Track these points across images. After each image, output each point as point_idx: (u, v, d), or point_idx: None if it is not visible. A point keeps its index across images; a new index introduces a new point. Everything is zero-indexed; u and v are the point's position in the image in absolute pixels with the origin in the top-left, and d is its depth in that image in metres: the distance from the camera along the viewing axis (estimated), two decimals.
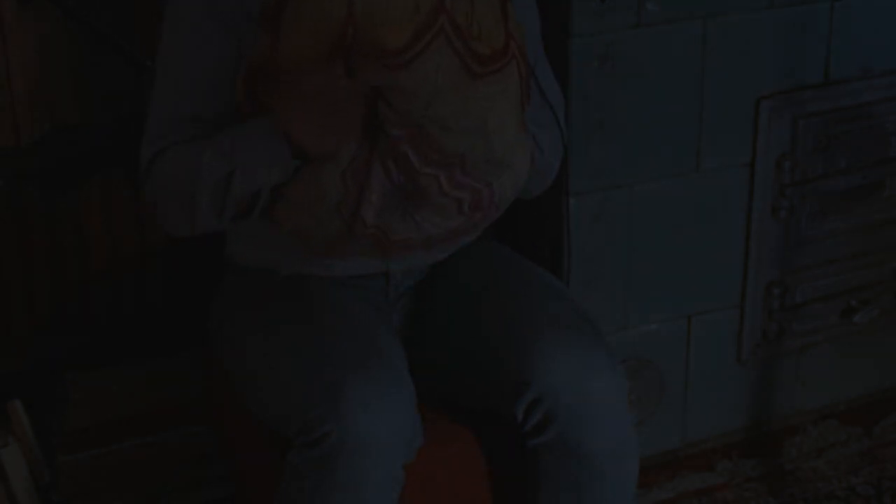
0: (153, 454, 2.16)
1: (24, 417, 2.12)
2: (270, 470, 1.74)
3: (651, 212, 2.25)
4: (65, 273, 2.25)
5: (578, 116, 2.12)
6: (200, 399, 2.18)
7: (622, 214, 2.22)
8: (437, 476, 1.81)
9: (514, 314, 1.78)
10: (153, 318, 2.31)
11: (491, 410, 1.81)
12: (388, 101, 1.63)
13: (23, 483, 2.11)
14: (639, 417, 2.34)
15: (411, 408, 1.68)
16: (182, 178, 1.72)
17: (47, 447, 2.16)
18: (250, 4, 1.70)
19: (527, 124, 1.78)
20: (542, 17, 1.90)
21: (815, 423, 2.56)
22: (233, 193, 1.70)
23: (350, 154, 1.67)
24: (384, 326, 1.80)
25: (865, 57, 2.33)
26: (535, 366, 1.71)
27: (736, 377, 2.45)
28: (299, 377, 1.68)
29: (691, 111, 2.22)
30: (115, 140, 2.22)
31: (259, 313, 1.83)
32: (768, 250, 2.38)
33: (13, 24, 2.11)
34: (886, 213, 2.48)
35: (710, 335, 2.39)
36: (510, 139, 1.72)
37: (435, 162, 1.68)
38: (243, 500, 2.05)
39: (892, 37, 2.35)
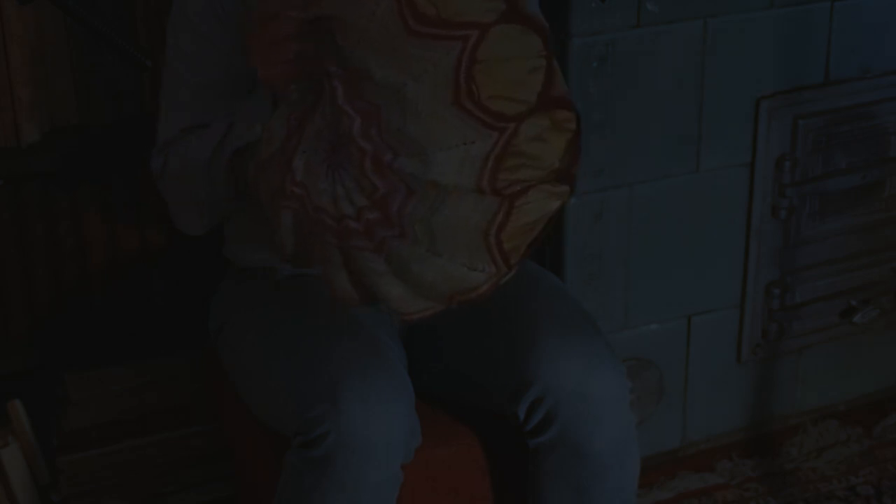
0: (153, 454, 2.16)
1: (24, 417, 2.12)
2: (270, 470, 1.74)
3: (651, 212, 2.25)
4: (65, 273, 2.24)
5: (579, 115, 2.12)
6: (200, 399, 2.18)
7: (622, 214, 2.22)
8: (437, 476, 1.81)
9: (516, 314, 1.78)
10: (153, 318, 2.31)
11: (492, 410, 1.81)
12: (331, 34, 1.47)
13: (23, 483, 2.11)
14: (639, 417, 2.34)
15: (410, 408, 1.68)
16: (193, 149, 1.75)
17: (47, 447, 2.15)
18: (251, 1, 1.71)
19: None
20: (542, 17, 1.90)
21: (815, 423, 2.56)
22: (232, 142, 1.69)
23: (300, 97, 1.53)
24: (384, 326, 1.80)
25: (865, 57, 2.33)
26: (538, 365, 1.71)
27: (736, 377, 2.45)
28: (298, 377, 1.68)
29: (691, 111, 2.22)
30: (115, 140, 2.22)
31: (258, 313, 1.83)
32: (768, 250, 2.38)
33: (13, 24, 2.11)
34: (886, 213, 2.48)
35: (710, 335, 2.39)
36: (427, 125, 1.46)
37: (357, 104, 1.46)
38: (243, 500, 2.05)
39: (892, 37, 2.35)
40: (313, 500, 1.64)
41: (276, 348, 1.75)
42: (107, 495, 2.14)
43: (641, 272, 2.28)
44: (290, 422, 1.66)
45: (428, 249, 1.49)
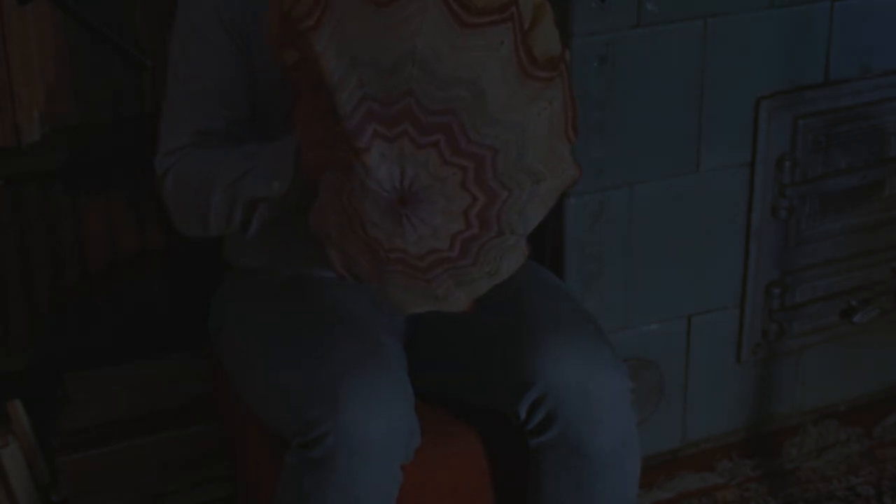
0: (153, 454, 2.16)
1: (24, 417, 2.12)
2: (270, 470, 1.74)
3: (651, 212, 2.25)
4: (65, 273, 2.24)
5: (578, 116, 2.12)
6: (200, 399, 2.18)
7: (622, 214, 2.22)
8: (437, 476, 1.81)
9: (517, 314, 1.78)
10: (153, 318, 2.31)
11: (492, 409, 1.81)
12: (367, 76, 1.50)
13: (23, 483, 2.11)
14: (639, 417, 2.34)
15: (409, 408, 1.68)
16: (201, 175, 1.75)
17: (47, 447, 2.15)
18: (256, 4, 1.71)
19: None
20: None
21: (815, 423, 2.56)
22: (242, 194, 1.71)
23: (338, 178, 1.58)
24: (384, 326, 1.80)
25: (865, 57, 2.33)
26: (539, 365, 1.71)
27: (736, 377, 2.45)
28: (297, 378, 1.68)
29: (691, 111, 2.22)
30: (115, 140, 2.22)
31: (258, 314, 1.83)
32: (768, 250, 2.38)
33: (13, 23, 2.11)
34: (886, 213, 2.48)
35: (710, 335, 2.39)
36: (505, 99, 1.53)
37: (430, 127, 1.51)
38: (243, 500, 2.05)
39: (892, 37, 2.35)
40: (313, 501, 1.64)
41: (275, 349, 1.75)
42: (107, 495, 2.14)
43: (641, 272, 2.28)
44: (289, 422, 1.66)
45: (532, 185, 1.58)
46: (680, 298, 2.34)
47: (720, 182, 2.29)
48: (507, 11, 1.49)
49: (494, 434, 1.84)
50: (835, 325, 2.50)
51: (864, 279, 2.50)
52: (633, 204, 2.23)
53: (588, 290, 2.24)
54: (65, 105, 2.19)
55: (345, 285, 1.82)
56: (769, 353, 2.45)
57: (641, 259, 2.27)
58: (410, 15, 1.47)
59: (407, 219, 1.53)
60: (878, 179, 2.44)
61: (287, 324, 1.76)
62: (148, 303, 2.30)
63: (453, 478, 1.84)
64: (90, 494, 2.13)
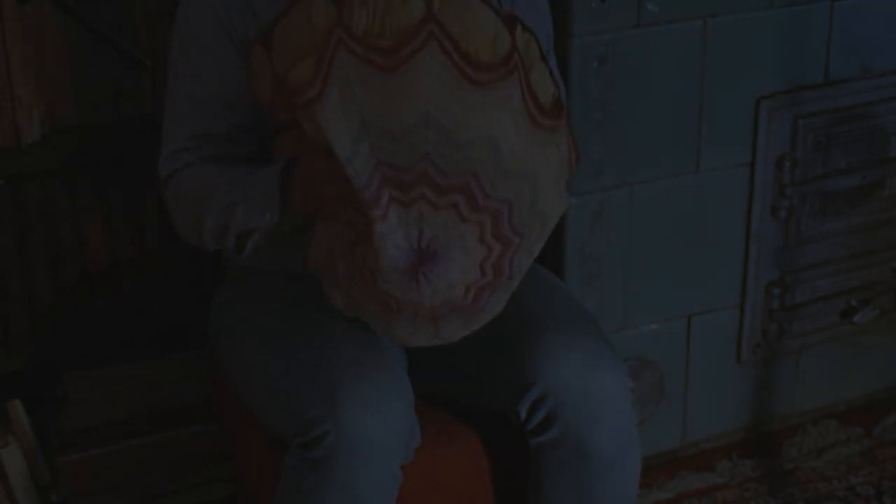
0: (153, 454, 2.16)
1: (24, 417, 2.12)
2: (270, 470, 1.74)
3: (651, 212, 2.25)
4: (65, 273, 2.24)
5: (578, 116, 2.13)
6: (200, 399, 2.18)
7: (622, 214, 2.23)
8: (437, 476, 1.81)
9: (517, 314, 1.78)
10: (153, 318, 2.31)
11: (492, 409, 1.81)
12: (379, 143, 1.50)
13: (23, 483, 2.11)
14: (639, 417, 2.34)
15: (409, 408, 1.68)
16: (195, 196, 1.77)
17: (47, 447, 2.15)
18: (258, 5, 1.70)
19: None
20: None
21: (815, 423, 2.56)
22: (234, 224, 1.72)
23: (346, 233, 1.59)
24: None
25: (865, 57, 2.33)
26: (540, 365, 1.71)
27: (736, 377, 2.45)
28: (297, 378, 1.68)
29: (691, 111, 2.22)
30: (115, 140, 2.22)
31: (258, 316, 1.83)
32: (768, 250, 2.38)
33: (13, 23, 2.11)
34: (886, 213, 2.48)
35: (710, 335, 2.39)
36: (519, 151, 1.55)
37: (448, 189, 1.52)
38: (243, 500, 2.05)
39: (892, 37, 2.35)
40: (313, 501, 1.64)
41: (275, 350, 1.75)
42: (107, 495, 2.14)
43: (641, 272, 2.28)
44: (289, 423, 1.66)
45: (541, 227, 1.61)
46: (680, 298, 2.34)
47: (720, 182, 2.29)
48: (512, 61, 1.50)
49: (494, 434, 1.84)
50: (835, 325, 2.50)
51: (864, 279, 2.50)
52: (633, 204, 2.23)
53: (588, 290, 2.24)
54: (65, 105, 2.19)
55: None
56: (769, 353, 2.45)
57: (641, 259, 2.27)
58: (418, 78, 1.47)
59: (423, 276, 1.55)
60: (878, 179, 2.44)
61: (286, 325, 1.76)
62: (148, 303, 2.30)
63: (453, 478, 1.84)
64: (90, 494, 2.13)
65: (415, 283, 1.56)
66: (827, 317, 2.49)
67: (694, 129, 2.23)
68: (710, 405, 2.44)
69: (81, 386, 2.21)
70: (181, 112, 1.79)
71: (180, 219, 1.81)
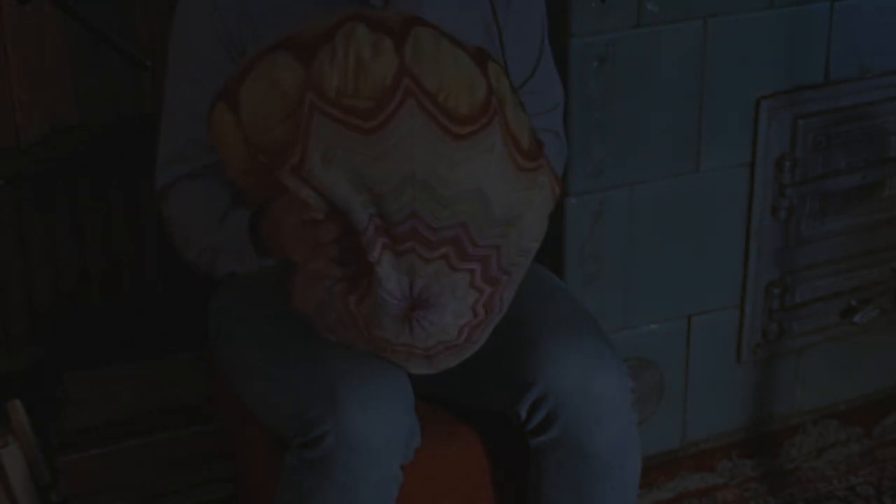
0: (153, 454, 2.16)
1: (24, 417, 2.12)
2: (270, 470, 1.74)
3: (651, 212, 2.25)
4: (65, 273, 2.24)
5: (578, 116, 2.13)
6: (200, 399, 2.18)
7: (622, 214, 2.22)
8: (437, 476, 1.81)
9: (518, 314, 1.77)
10: (153, 318, 2.31)
11: (492, 410, 1.81)
12: (366, 200, 1.48)
13: (23, 483, 2.11)
14: (639, 417, 2.34)
15: (409, 408, 1.68)
16: (182, 230, 1.79)
17: (47, 447, 2.16)
18: (251, 9, 1.70)
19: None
20: None
21: (815, 423, 2.56)
22: (217, 267, 1.76)
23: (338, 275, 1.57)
24: None
25: (865, 57, 2.33)
26: (540, 365, 1.71)
27: (736, 377, 2.45)
28: (296, 379, 1.68)
29: (691, 111, 2.22)
30: (115, 140, 2.22)
31: (258, 315, 1.83)
32: (768, 250, 2.38)
33: (13, 23, 2.11)
34: (886, 213, 2.48)
35: (710, 335, 2.39)
36: (505, 197, 1.53)
37: (438, 243, 1.51)
38: (243, 500, 2.05)
39: (892, 37, 2.35)
40: (313, 501, 1.64)
41: (274, 350, 1.75)
42: (107, 495, 2.14)
43: (641, 272, 2.28)
44: (289, 423, 1.66)
45: (525, 260, 1.61)
46: (680, 298, 2.34)
47: (720, 182, 2.29)
48: (491, 107, 1.47)
49: (494, 434, 1.84)
50: (835, 325, 2.50)
51: (864, 279, 2.50)
52: (633, 204, 2.23)
53: (588, 290, 2.24)
54: (65, 105, 2.19)
55: None
56: (769, 353, 2.45)
57: (641, 259, 2.27)
58: (400, 140, 1.44)
59: (417, 322, 1.55)
60: (878, 179, 2.44)
61: (286, 326, 1.76)
62: (148, 303, 2.30)
63: (453, 478, 1.84)
64: (90, 494, 2.13)
65: (408, 329, 1.56)
66: (827, 317, 2.49)
67: (694, 130, 2.23)
68: (710, 405, 2.44)
69: (81, 386, 2.21)
70: (177, 119, 1.79)
71: (174, 239, 1.83)
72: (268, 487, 1.73)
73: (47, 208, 2.20)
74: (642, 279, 2.28)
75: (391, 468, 1.66)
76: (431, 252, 1.50)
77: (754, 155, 2.30)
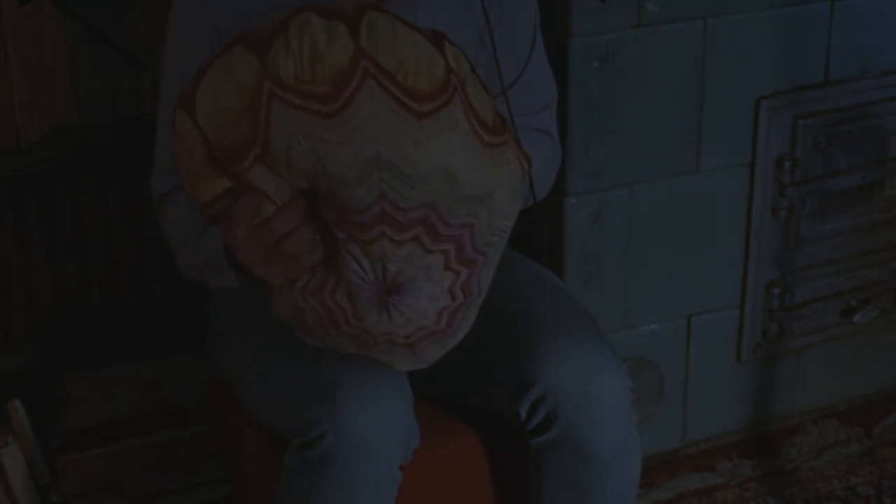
0: (153, 454, 2.16)
1: (24, 417, 2.12)
2: (270, 470, 1.74)
3: (651, 212, 2.25)
4: (65, 273, 2.25)
5: (578, 116, 2.13)
6: (200, 399, 2.18)
7: (622, 214, 2.22)
8: (437, 476, 1.81)
9: (517, 314, 1.78)
10: (153, 319, 2.31)
11: (492, 409, 1.81)
12: (332, 187, 1.46)
13: (23, 483, 2.11)
14: (639, 417, 2.34)
15: (408, 408, 1.68)
16: (173, 237, 1.79)
17: (47, 447, 2.16)
18: (244, 9, 1.70)
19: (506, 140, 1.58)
20: (543, 18, 1.90)
21: (815, 423, 2.56)
22: (206, 280, 1.76)
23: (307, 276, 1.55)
24: None
25: (865, 57, 2.33)
26: (540, 365, 1.71)
27: (736, 377, 2.45)
28: (295, 378, 1.68)
29: (691, 111, 2.22)
30: (115, 140, 2.22)
31: (256, 315, 1.83)
32: (768, 250, 2.38)
33: (13, 23, 2.11)
34: (886, 213, 2.48)
35: (710, 335, 2.39)
36: (473, 175, 1.50)
37: (408, 224, 1.49)
38: (243, 500, 2.05)
39: (892, 37, 2.35)
40: (312, 501, 1.64)
41: (273, 351, 1.75)
42: (107, 495, 2.14)
43: (641, 272, 2.28)
44: (288, 423, 1.66)
45: (500, 240, 1.57)
46: (680, 298, 2.34)
47: (720, 182, 2.29)
48: (451, 83, 1.45)
49: (494, 434, 1.84)
50: (835, 325, 2.50)
51: (864, 279, 2.50)
52: (633, 204, 2.23)
53: (588, 290, 2.24)
54: (65, 105, 2.20)
55: None
56: (769, 353, 2.45)
57: (641, 259, 2.27)
58: (362, 122, 1.42)
59: (394, 306, 1.53)
60: (878, 179, 2.44)
61: (284, 326, 1.76)
62: (148, 303, 2.30)
63: (453, 478, 1.84)
64: (90, 494, 2.14)
65: (386, 315, 1.54)
66: (827, 317, 2.49)
67: (694, 130, 2.23)
68: (710, 405, 2.44)
69: (81, 386, 2.21)
70: (169, 126, 1.79)
71: (170, 248, 1.83)
72: (267, 487, 1.73)
73: (47, 208, 2.20)
74: (642, 279, 2.28)
75: (390, 468, 1.66)
76: (402, 234, 1.48)
77: (754, 155, 2.30)
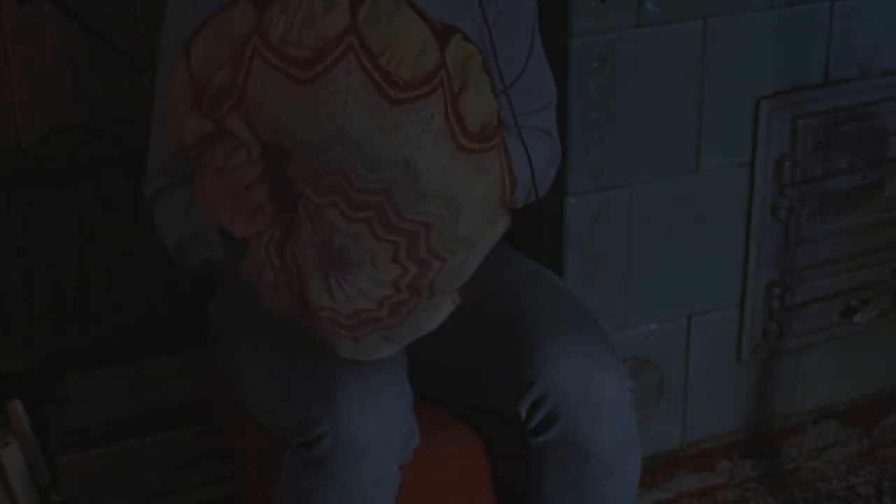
0: (153, 454, 2.16)
1: (24, 417, 2.12)
2: (270, 470, 1.74)
3: (651, 212, 2.25)
4: (65, 273, 2.25)
5: (578, 116, 2.13)
6: (200, 399, 2.18)
7: (622, 214, 2.22)
8: (437, 476, 1.81)
9: (518, 313, 1.78)
10: (153, 319, 2.31)
11: (492, 409, 1.81)
12: (295, 147, 1.47)
13: (23, 483, 2.11)
14: (639, 417, 2.34)
15: (408, 408, 1.68)
16: (165, 231, 1.80)
17: (47, 447, 2.16)
18: None
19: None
20: (543, 18, 1.90)
21: (815, 423, 2.56)
22: (193, 254, 1.75)
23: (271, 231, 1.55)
24: None
25: (865, 57, 2.33)
26: (540, 365, 1.71)
27: (736, 377, 2.45)
28: (295, 378, 1.68)
29: (691, 111, 2.22)
30: (115, 140, 2.22)
31: (256, 315, 1.83)
32: (768, 250, 2.38)
33: (13, 23, 2.11)
34: (886, 213, 2.48)
35: (710, 335, 2.39)
36: (439, 174, 1.47)
37: (360, 205, 1.47)
38: (243, 500, 2.05)
39: (892, 37, 2.35)
40: (312, 501, 1.64)
41: (273, 349, 1.75)
42: (107, 495, 2.14)
43: (641, 272, 2.28)
44: (288, 423, 1.66)
45: (465, 251, 1.53)
46: (680, 298, 2.34)
47: (720, 182, 2.29)
48: (436, 79, 1.43)
49: (494, 434, 1.84)
50: (835, 325, 2.50)
51: (864, 279, 2.50)
52: (633, 204, 2.23)
53: (588, 290, 2.24)
54: (65, 105, 2.20)
55: None
56: (769, 353, 2.45)
57: (641, 259, 2.27)
58: (335, 93, 1.41)
59: (334, 279, 1.52)
60: (878, 179, 2.44)
61: (284, 325, 1.76)
62: (148, 303, 2.30)
63: (453, 478, 1.84)
64: (90, 494, 2.14)
65: (328, 288, 1.53)
66: (827, 317, 2.49)
67: (694, 130, 2.23)
68: (710, 405, 2.44)
69: (81, 386, 2.22)
70: (162, 129, 1.79)
71: (165, 244, 1.83)
72: (267, 487, 1.73)
73: (47, 208, 2.20)
74: (642, 279, 2.28)
75: (390, 468, 1.66)
76: (354, 212, 1.46)
77: (754, 155, 2.30)
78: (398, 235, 1.48)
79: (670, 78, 2.18)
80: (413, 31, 1.44)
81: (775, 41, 2.24)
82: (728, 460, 2.49)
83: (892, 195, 2.47)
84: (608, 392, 1.73)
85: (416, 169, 1.44)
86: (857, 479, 2.46)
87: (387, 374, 1.67)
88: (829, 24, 2.27)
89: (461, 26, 1.55)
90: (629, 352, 2.30)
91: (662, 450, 2.43)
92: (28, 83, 2.15)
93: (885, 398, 2.62)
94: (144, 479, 2.16)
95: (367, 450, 1.62)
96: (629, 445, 1.77)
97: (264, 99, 1.44)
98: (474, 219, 1.50)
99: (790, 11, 2.23)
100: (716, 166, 2.27)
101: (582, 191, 2.18)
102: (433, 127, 1.43)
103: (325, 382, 1.63)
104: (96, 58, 2.18)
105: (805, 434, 2.54)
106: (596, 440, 1.73)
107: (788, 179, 2.33)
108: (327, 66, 1.41)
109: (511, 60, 1.82)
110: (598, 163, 2.17)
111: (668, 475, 2.44)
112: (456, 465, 1.84)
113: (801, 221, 2.39)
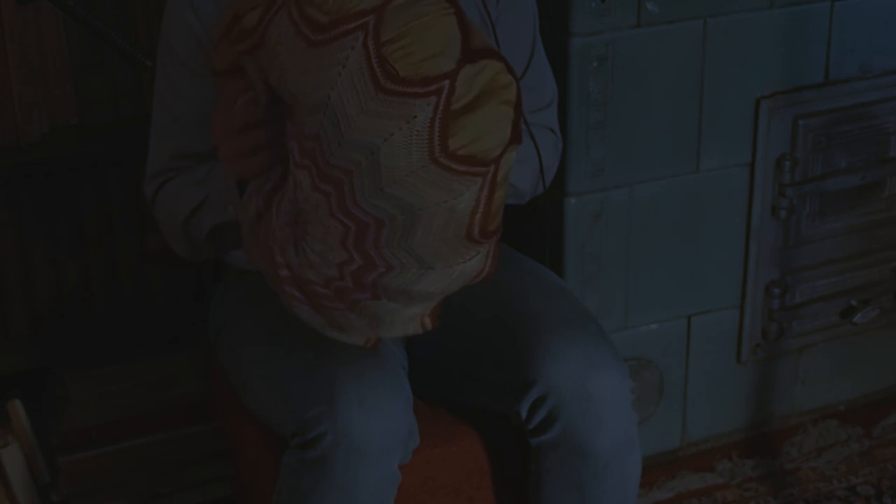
0: (153, 454, 2.16)
1: (24, 417, 2.12)
2: (270, 470, 1.74)
3: (651, 212, 2.25)
4: (65, 273, 2.25)
5: (578, 116, 2.13)
6: (200, 399, 2.18)
7: (622, 214, 2.23)
8: (437, 476, 1.81)
9: (518, 313, 1.78)
10: (153, 318, 2.31)
11: (493, 409, 1.81)
12: (291, 102, 1.48)
13: (23, 483, 2.11)
14: (639, 417, 2.34)
15: (407, 408, 1.68)
16: (172, 211, 1.78)
17: (47, 447, 2.16)
18: None
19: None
20: (543, 17, 1.90)
21: (815, 423, 2.56)
22: (203, 223, 1.73)
23: (265, 176, 1.56)
24: None
25: (865, 57, 2.33)
26: (541, 364, 1.71)
27: (736, 377, 2.45)
28: (295, 378, 1.68)
29: (691, 111, 2.22)
30: (114, 140, 2.22)
31: (257, 315, 1.83)
32: (768, 250, 2.38)
33: (13, 23, 2.11)
34: (886, 213, 2.48)
35: (710, 335, 2.39)
36: (404, 176, 1.44)
37: (326, 177, 1.46)
38: (243, 500, 2.05)
39: (892, 37, 2.35)
40: (311, 501, 1.64)
41: (274, 349, 1.75)
42: (107, 495, 2.14)
43: (641, 272, 2.28)
44: (287, 422, 1.66)
45: (419, 269, 1.49)
46: (680, 298, 2.34)
47: (720, 182, 2.29)
48: (434, 85, 1.41)
49: (494, 434, 1.84)
50: (835, 325, 2.50)
51: (864, 279, 2.50)
52: (633, 204, 2.23)
53: (588, 290, 2.24)
54: (65, 105, 2.20)
55: None
56: (769, 353, 2.45)
57: (641, 259, 2.27)
58: (333, 63, 1.41)
59: (296, 241, 1.51)
60: (878, 179, 2.44)
61: (285, 325, 1.76)
62: (148, 303, 2.30)
63: (453, 478, 1.84)
64: (90, 494, 2.14)
65: (289, 246, 1.52)
66: (827, 317, 2.49)
67: (694, 130, 2.23)
68: (710, 405, 2.44)
69: (81, 386, 2.21)
70: (163, 129, 1.80)
71: (169, 237, 1.83)
72: (267, 487, 1.73)
73: (47, 208, 2.20)
74: (642, 279, 2.29)
75: (389, 468, 1.66)
76: (320, 182, 1.46)
77: (754, 155, 2.30)
78: (350, 220, 1.46)
79: (670, 78, 2.18)
80: (434, 35, 1.42)
81: (775, 41, 2.24)
82: (728, 460, 2.49)
83: (892, 195, 2.47)
84: (609, 392, 1.73)
85: (378, 161, 1.42)
86: (857, 479, 2.46)
87: (386, 375, 1.67)
88: (829, 24, 2.27)
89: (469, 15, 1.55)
90: (629, 352, 2.30)
91: (662, 450, 2.43)
92: (28, 83, 2.15)
93: (885, 398, 2.62)
94: (144, 479, 2.16)
95: (367, 450, 1.62)
96: (629, 445, 1.77)
97: (279, 48, 1.45)
98: (428, 236, 1.46)
99: (790, 11, 2.23)
100: (716, 166, 2.27)
101: (582, 191, 2.18)
102: (412, 128, 1.41)
103: (324, 382, 1.64)
104: (96, 58, 2.18)
105: (805, 434, 2.54)
106: (596, 440, 1.73)
107: (788, 179, 2.33)
108: (335, 35, 1.42)
109: (515, 60, 1.82)
110: (598, 163, 2.17)
111: (668, 475, 2.44)
112: (456, 465, 1.84)
113: (801, 221, 2.39)
